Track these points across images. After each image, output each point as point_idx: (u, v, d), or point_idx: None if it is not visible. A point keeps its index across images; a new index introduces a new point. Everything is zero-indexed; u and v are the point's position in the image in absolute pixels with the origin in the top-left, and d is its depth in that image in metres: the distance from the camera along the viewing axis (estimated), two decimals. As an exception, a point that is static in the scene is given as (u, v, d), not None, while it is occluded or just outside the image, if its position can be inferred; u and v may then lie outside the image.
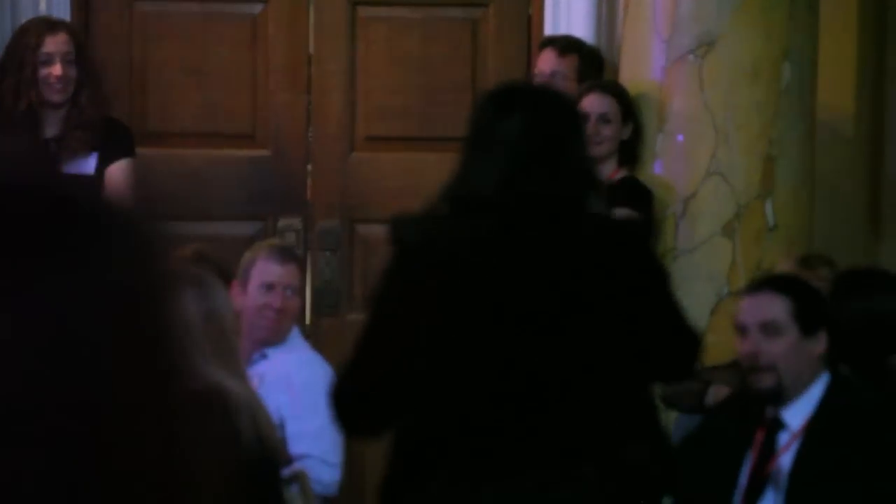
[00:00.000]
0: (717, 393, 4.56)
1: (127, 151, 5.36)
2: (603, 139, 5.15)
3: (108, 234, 0.86)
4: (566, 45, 5.52)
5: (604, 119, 5.16)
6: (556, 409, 3.13)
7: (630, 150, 5.21)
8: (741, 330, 3.89)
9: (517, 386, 3.11)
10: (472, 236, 3.17)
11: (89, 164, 5.31)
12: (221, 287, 3.77)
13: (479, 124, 3.26)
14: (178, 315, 0.88)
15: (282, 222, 5.85)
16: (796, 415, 3.85)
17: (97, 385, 0.84)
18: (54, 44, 5.25)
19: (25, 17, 5.51)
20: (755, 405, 3.93)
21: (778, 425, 3.87)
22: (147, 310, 0.87)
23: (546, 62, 5.46)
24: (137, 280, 0.86)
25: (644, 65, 5.31)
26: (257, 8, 5.89)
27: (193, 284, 3.69)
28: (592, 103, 5.17)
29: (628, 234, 3.33)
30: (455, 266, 3.14)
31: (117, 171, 5.32)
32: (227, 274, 4.66)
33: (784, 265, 4.83)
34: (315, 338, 5.32)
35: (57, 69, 5.23)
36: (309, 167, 5.92)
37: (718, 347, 5.04)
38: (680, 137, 5.22)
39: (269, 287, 4.50)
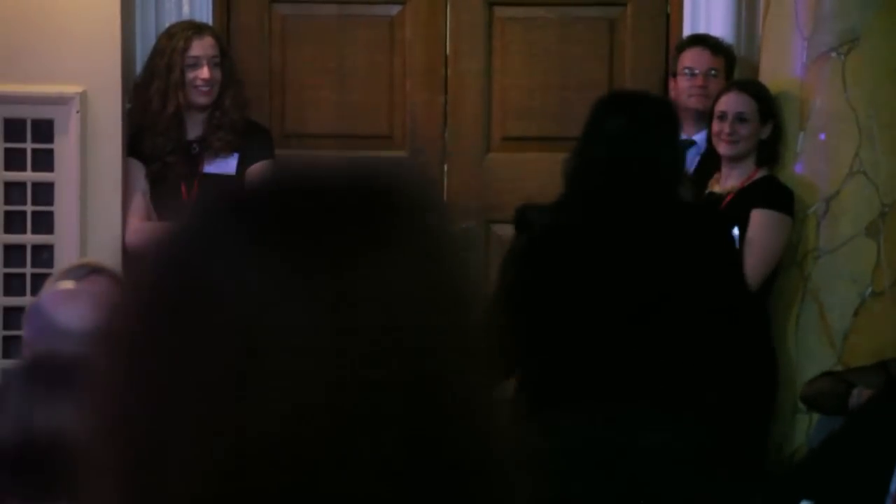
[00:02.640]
0: (860, 395, 4.48)
1: (267, 153, 5.42)
2: (739, 138, 5.10)
3: (423, 227, 0.92)
4: (718, 44, 5.50)
5: (741, 118, 5.10)
6: (654, 368, 3.81)
7: (769, 150, 5.15)
8: None
9: (625, 352, 3.80)
10: (586, 223, 3.92)
11: (230, 165, 5.38)
12: None
13: (589, 124, 4.01)
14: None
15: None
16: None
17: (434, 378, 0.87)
18: (201, 47, 5.32)
19: (169, 20, 5.60)
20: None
21: None
22: (458, 302, 0.91)
23: (700, 60, 5.44)
24: (444, 270, 0.92)
25: (785, 62, 5.24)
26: (395, 9, 5.92)
27: None
28: (730, 102, 5.12)
29: (707, 220, 4.19)
30: (577, 250, 3.87)
31: (258, 171, 5.37)
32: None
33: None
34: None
35: (204, 72, 5.31)
36: (445, 167, 5.94)
37: (862, 348, 4.96)
38: (822, 136, 5.15)
39: None
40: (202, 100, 5.34)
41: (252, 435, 0.84)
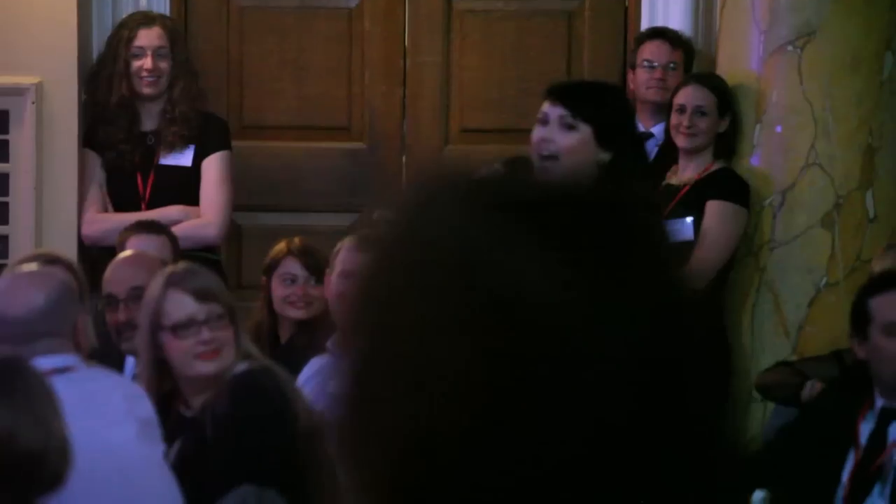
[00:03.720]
0: (814, 387, 4.51)
1: (222, 144, 5.41)
2: (698, 131, 5.11)
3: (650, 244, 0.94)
4: (677, 37, 5.52)
5: (700, 111, 5.11)
6: None
7: (726, 143, 5.16)
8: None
9: None
10: None
11: (186, 157, 5.38)
12: None
13: None
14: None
15: (377, 214, 5.86)
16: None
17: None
18: (147, 37, 5.32)
19: (126, 11, 5.59)
20: (858, 396, 3.87)
21: (891, 416, 3.80)
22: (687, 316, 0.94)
23: (659, 53, 5.45)
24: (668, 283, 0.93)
25: (742, 55, 5.26)
26: (353, 2, 5.91)
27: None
28: (689, 95, 5.14)
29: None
30: None
31: (213, 163, 5.38)
32: (328, 265, 4.68)
33: (882, 258, 4.76)
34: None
35: (147, 62, 5.30)
36: (404, 159, 5.93)
37: (817, 338, 4.99)
38: (778, 128, 5.17)
39: (349, 276, 4.50)
40: (146, 90, 5.33)
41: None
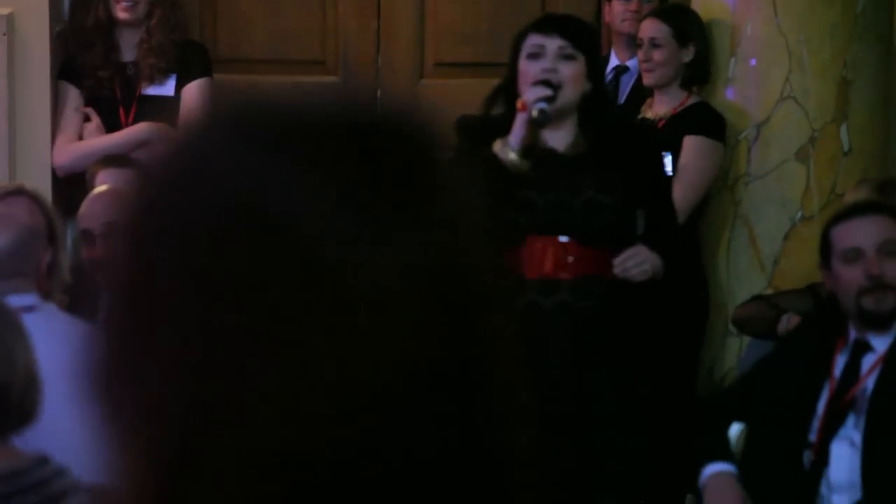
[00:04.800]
0: (789, 321, 4.53)
1: (203, 71, 5.37)
2: (655, 66, 5.09)
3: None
4: None
5: (653, 44, 5.10)
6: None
7: (694, 72, 5.14)
8: (855, 253, 3.83)
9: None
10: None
11: (168, 87, 5.33)
12: None
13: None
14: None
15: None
16: (885, 338, 3.82)
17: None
18: None
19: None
20: (833, 329, 3.90)
21: (864, 349, 3.83)
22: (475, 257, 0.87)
23: None
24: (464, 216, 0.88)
25: (717, -12, 5.25)
26: (327, -68, 5.86)
27: None
28: (644, 29, 5.15)
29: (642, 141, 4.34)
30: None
31: (193, 90, 5.33)
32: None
33: (855, 191, 4.77)
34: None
35: None
36: (378, 93, 5.89)
37: (792, 272, 5.01)
38: (753, 62, 5.17)
39: None
40: (122, 15, 5.28)
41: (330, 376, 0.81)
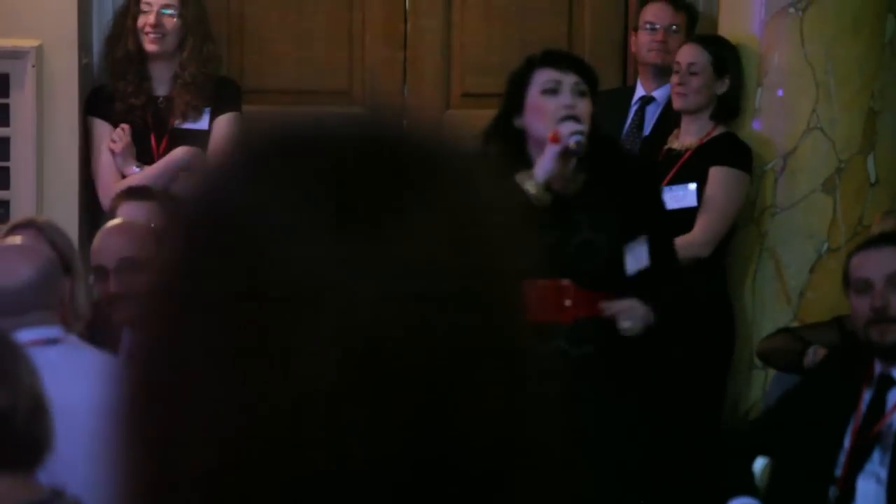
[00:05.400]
0: (816, 354, 4.51)
1: (233, 105, 5.40)
2: (689, 91, 5.09)
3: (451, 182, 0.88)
4: (679, 0, 5.49)
5: (691, 71, 5.10)
6: None
7: (726, 106, 5.14)
8: (864, 285, 3.82)
9: None
10: None
11: (203, 121, 5.35)
12: None
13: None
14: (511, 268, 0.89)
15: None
16: (909, 371, 3.80)
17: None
18: None
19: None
20: (860, 363, 3.88)
21: (889, 382, 3.81)
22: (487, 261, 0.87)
23: (661, 15, 5.44)
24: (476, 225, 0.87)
25: (743, 18, 5.24)
26: (354, -36, 5.89)
27: None
28: (683, 54, 5.14)
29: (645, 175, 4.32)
30: None
31: (223, 124, 5.36)
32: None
33: (883, 222, 4.76)
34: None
35: (151, 18, 5.28)
36: (404, 124, 5.91)
37: (818, 304, 4.99)
38: (780, 92, 5.16)
39: None
40: (151, 47, 5.31)
41: (298, 391, 0.82)
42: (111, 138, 5.32)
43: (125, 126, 5.30)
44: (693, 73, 5.09)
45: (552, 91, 3.96)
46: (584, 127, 3.92)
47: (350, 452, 0.82)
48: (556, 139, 3.91)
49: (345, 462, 0.82)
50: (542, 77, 3.98)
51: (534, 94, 3.98)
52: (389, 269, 0.83)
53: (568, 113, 3.91)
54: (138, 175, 5.25)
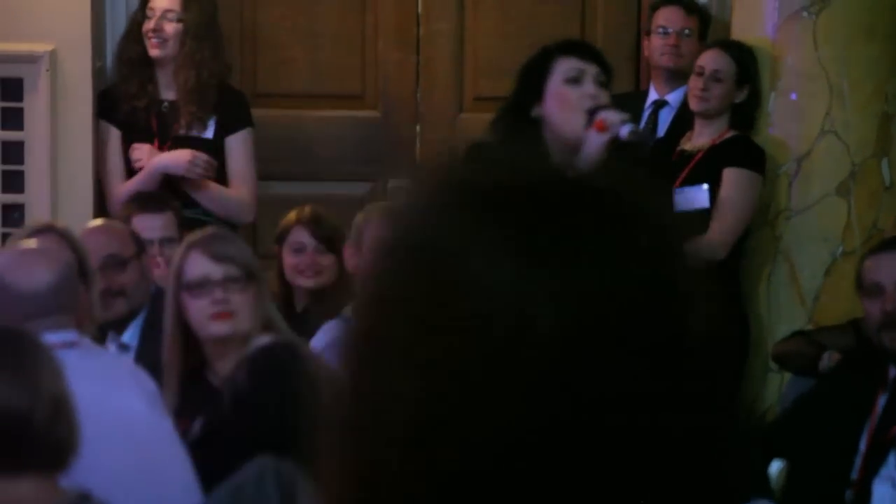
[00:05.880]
0: (831, 358, 4.50)
1: (245, 122, 5.40)
2: (711, 96, 5.07)
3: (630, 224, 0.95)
4: (691, 4, 5.49)
5: (716, 77, 5.08)
6: None
7: (743, 115, 5.13)
8: (876, 289, 3.82)
9: None
10: None
11: (208, 130, 5.35)
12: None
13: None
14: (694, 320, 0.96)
15: (392, 183, 5.86)
16: (924, 375, 3.80)
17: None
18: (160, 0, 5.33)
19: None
20: (876, 366, 3.87)
21: None
22: (666, 308, 0.94)
23: (674, 19, 5.43)
24: (657, 273, 0.94)
25: (756, 21, 5.24)
26: (366, -32, 5.89)
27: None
28: (708, 59, 5.10)
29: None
30: None
31: (239, 143, 5.37)
32: (342, 235, 4.67)
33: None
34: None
35: (151, 24, 5.30)
36: (418, 128, 5.92)
37: (833, 308, 4.98)
38: (793, 96, 5.15)
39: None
40: (153, 51, 5.32)
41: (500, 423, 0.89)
42: (135, 157, 5.33)
43: (141, 147, 5.30)
44: (717, 80, 5.07)
45: (575, 80, 3.87)
46: (628, 115, 3.88)
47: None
48: (602, 128, 3.81)
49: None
50: (565, 66, 3.89)
51: (556, 83, 3.88)
52: (579, 296, 0.90)
53: (594, 103, 3.85)
54: (131, 182, 5.26)
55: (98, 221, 4.53)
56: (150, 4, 5.33)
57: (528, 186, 0.94)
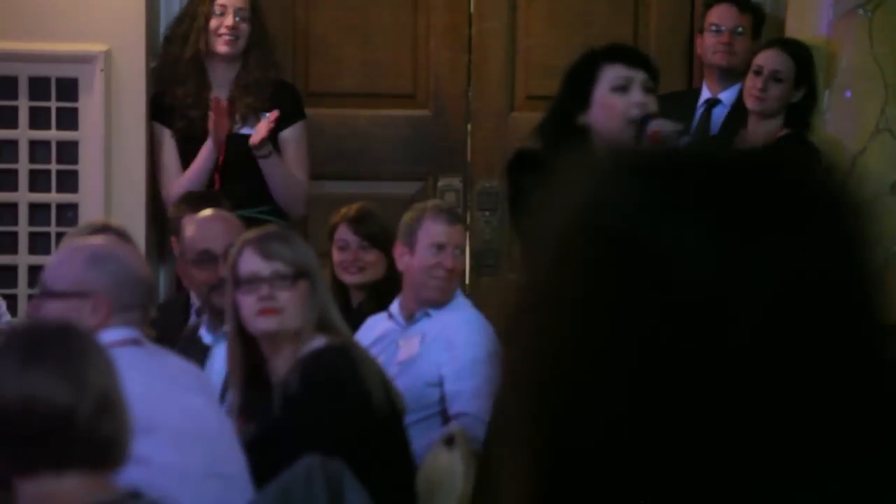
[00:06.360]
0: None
1: (298, 114, 5.43)
2: (769, 97, 5.04)
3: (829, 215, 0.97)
4: (745, 1, 5.46)
5: (775, 77, 5.04)
6: None
7: (798, 115, 5.08)
8: None
9: None
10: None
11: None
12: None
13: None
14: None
15: (442, 182, 5.86)
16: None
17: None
18: None
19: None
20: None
21: None
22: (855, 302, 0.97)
23: (727, 17, 5.40)
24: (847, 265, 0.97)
25: (811, 19, 5.21)
26: (418, -33, 5.89)
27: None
28: (768, 58, 5.05)
29: None
30: None
31: (293, 134, 5.39)
32: (391, 233, 4.68)
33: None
34: (474, 297, 5.32)
35: (228, 20, 5.33)
36: (469, 127, 5.92)
37: (888, 306, 4.95)
38: (848, 94, 5.12)
39: (440, 247, 4.50)
40: (223, 48, 5.34)
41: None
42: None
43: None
44: (777, 80, 5.03)
45: (622, 88, 3.81)
46: (681, 126, 3.85)
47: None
48: (656, 139, 3.77)
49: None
50: (612, 73, 3.83)
51: (602, 91, 3.82)
52: (777, 279, 0.92)
53: (643, 112, 3.80)
54: (183, 179, 5.30)
55: (208, 212, 4.60)
56: (220, 2, 5.35)
57: (723, 164, 0.95)
